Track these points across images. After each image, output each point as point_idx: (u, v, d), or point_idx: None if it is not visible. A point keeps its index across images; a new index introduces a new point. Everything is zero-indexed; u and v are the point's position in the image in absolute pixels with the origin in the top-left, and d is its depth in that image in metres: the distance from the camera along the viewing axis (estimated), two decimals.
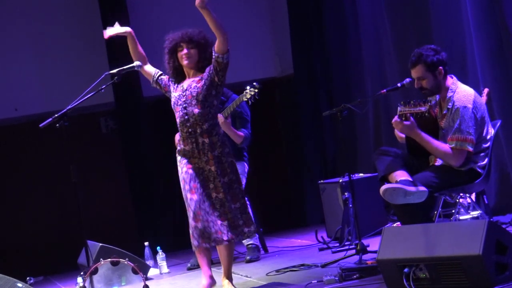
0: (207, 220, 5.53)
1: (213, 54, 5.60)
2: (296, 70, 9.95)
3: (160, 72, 5.87)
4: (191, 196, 5.57)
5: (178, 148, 5.72)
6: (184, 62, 5.67)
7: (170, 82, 5.82)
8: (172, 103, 5.72)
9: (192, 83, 5.66)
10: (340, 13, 9.27)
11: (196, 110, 5.60)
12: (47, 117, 5.57)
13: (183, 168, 5.65)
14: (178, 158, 5.72)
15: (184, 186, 5.62)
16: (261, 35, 10.46)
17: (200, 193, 5.56)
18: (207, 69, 5.65)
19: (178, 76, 5.74)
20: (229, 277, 5.75)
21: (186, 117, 5.61)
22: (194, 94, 5.60)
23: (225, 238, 5.55)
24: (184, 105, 5.62)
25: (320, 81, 9.73)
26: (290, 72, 10.11)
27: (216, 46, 5.57)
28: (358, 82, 9.10)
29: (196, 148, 5.62)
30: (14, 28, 9.68)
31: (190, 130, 5.62)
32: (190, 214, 5.57)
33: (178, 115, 5.66)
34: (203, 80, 5.64)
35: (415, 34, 7.87)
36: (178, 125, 5.69)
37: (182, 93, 5.65)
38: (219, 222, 5.55)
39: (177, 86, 5.74)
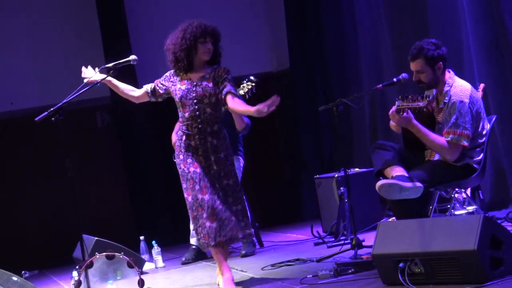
0: (221, 218, 5.49)
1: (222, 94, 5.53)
2: (293, 65, 9.95)
3: (151, 84, 5.80)
4: (202, 196, 5.50)
5: (181, 144, 5.62)
6: (205, 57, 5.58)
7: (165, 80, 5.72)
8: (178, 96, 5.59)
9: (202, 80, 5.58)
10: (336, 7, 9.26)
11: (209, 110, 5.56)
12: (43, 111, 5.55)
13: (189, 167, 5.56)
14: (181, 156, 5.62)
15: (194, 186, 5.52)
16: (258, 29, 10.45)
17: (211, 192, 5.50)
18: (218, 74, 5.59)
19: (189, 66, 5.60)
20: None
21: (198, 113, 5.54)
22: (207, 94, 5.54)
23: (240, 235, 5.57)
24: (195, 100, 5.55)
25: (317, 76, 9.72)
26: (286, 66, 10.11)
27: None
28: (354, 77, 9.10)
29: (203, 146, 5.56)
30: (9, 22, 9.66)
31: (200, 126, 5.56)
32: (203, 215, 5.49)
33: (187, 109, 5.56)
34: (214, 81, 5.57)
35: (411, 29, 7.87)
36: (185, 120, 5.59)
37: (192, 88, 5.56)
38: (233, 219, 5.54)
39: (181, 78, 5.63)
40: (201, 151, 5.57)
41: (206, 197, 5.49)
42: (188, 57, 5.57)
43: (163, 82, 5.74)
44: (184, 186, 5.61)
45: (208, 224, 5.49)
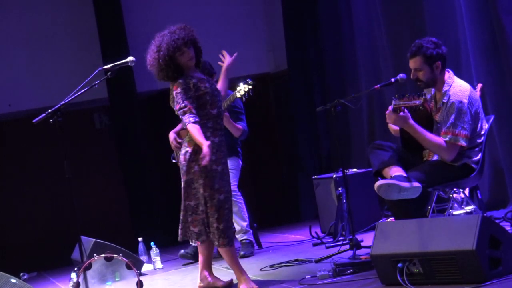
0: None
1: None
2: (290, 66, 9.96)
3: (192, 111, 5.48)
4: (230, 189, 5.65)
5: (211, 139, 5.53)
6: (191, 64, 5.60)
7: (191, 90, 5.51)
8: (210, 94, 5.56)
9: (211, 81, 5.72)
10: (334, 8, 9.27)
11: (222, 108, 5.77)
12: (41, 112, 5.55)
13: (218, 164, 5.53)
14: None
15: (228, 179, 5.62)
16: (255, 30, 10.47)
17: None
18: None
19: (179, 74, 5.57)
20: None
21: (221, 110, 5.68)
22: (222, 94, 5.80)
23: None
24: (218, 97, 5.67)
25: (314, 77, 9.73)
26: (284, 67, 10.11)
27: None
28: (352, 78, 9.11)
29: (223, 142, 5.65)
30: (7, 24, 9.66)
31: (222, 123, 5.67)
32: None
33: (215, 106, 5.57)
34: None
35: (409, 29, 7.88)
36: (212, 117, 5.54)
37: (214, 86, 5.67)
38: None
39: (198, 80, 5.57)
40: (223, 147, 5.64)
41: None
42: (168, 73, 5.55)
43: (194, 94, 5.53)
44: (217, 186, 5.53)
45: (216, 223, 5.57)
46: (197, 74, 5.66)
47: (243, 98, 6.78)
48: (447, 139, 5.38)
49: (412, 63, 5.52)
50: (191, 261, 7.41)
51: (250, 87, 6.66)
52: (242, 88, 6.72)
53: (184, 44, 5.55)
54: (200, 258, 5.79)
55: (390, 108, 5.44)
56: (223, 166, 5.60)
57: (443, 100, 5.47)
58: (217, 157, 5.54)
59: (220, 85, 5.99)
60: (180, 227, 5.63)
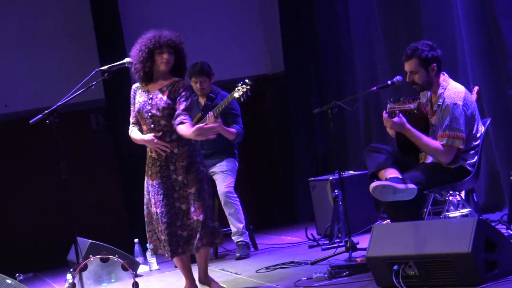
0: (169, 232, 5.43)
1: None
2: (287, 68, 9.95)
3: (131, 120, 5.69)
4: (155, 210, 5.49)
5: (147, 156, 5.62)
6: (162, 68, 5.50)
7: (133, 104, 5.65)
8: (137, 108, 5.57)
9: (158, 92, 5.51)
10: (331, 10, 9.27)
11: (163, 122, 5.50)
12: (37, 113, 5.55)
13: (148, 180, 5.57)
14: (146, 168, 5.61)
15: (150, 199, 5.54)
16: (252, 32, 10.46)
17: (162, 205, 5.46)
18: (176, 89, 5.50)
19: (147, 77, 5.56)
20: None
21: (153, 125, 5.50)
22: (160, 107, 5.47)
23: (179, 250, 5.48)
24: (150, 113, 5.50)
25: (311, 79, 9.73)
26: (281, 69, 10.11)
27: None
28: (349, 80, 9.11)
29: (163, 156, 5.51)
30: (4, 24, 9.65)
31: (158, 138, 5.51)
32: (159, 228, 5.47)
33: (144, 122, 5.52)
34: (170, 96, 5.49)
35: (406, 32, 7.89)
36: (145, 132, 5.56)
37: (148, 100, 5.52)
38: (178, 232, 5.46)
39: (141, 91, 5.60)
40: (159, 162, 5.52)
41: (159, 210, 5.46)
42: (144, 68, 5.51)
43: (133, 99, 5.68)
44: (146, 197, 5.61)
45: (162, 237, 5.49)
46: (163, 82, 5.54)
47: (242, 99, 6.75)
48: (444, 142, 5.39)
49: (408, 66, 5.53)
50: None
51: (248, 87, 6.63)
52: (241, 89, 6.71)
53: (167, 45, 5.48)
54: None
55: (385, 113, 5.45)
56: (161, 180, 5.49)
57: (438, 103, 5.48)
58: (152, 172, 5.54)
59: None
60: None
